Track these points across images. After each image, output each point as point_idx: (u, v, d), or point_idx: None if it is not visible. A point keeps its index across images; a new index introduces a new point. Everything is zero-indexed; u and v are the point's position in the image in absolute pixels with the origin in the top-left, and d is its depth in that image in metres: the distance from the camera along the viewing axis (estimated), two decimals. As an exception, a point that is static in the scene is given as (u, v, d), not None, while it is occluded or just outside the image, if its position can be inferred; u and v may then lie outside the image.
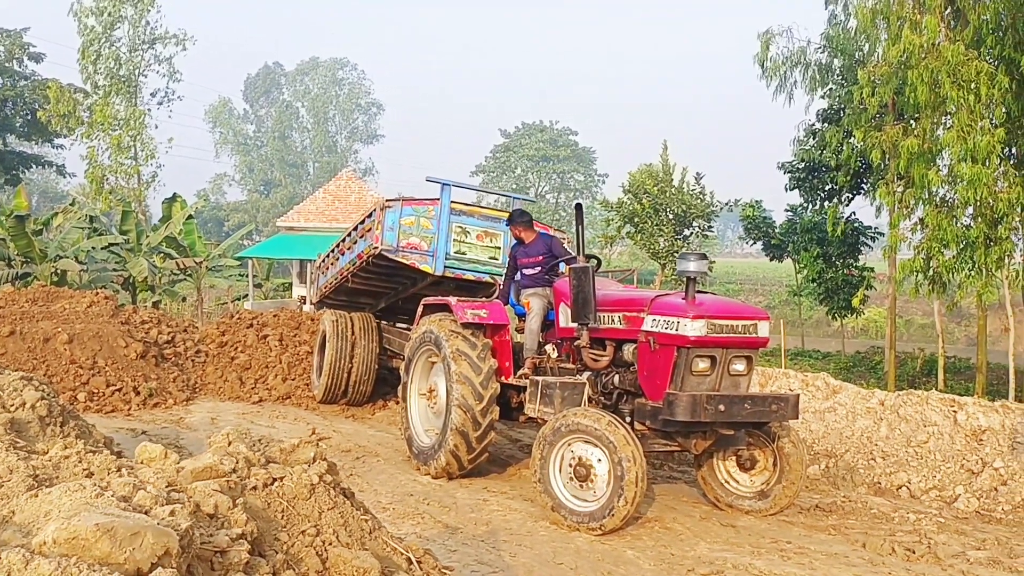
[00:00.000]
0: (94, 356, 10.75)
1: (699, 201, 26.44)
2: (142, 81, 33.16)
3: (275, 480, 3.33)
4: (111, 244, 24.35)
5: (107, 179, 30.50)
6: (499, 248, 9.30)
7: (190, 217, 25.58)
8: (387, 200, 8.99)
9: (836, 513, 6.97)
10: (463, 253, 9.13)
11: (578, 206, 7.34)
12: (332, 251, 11.19)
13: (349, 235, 10.22)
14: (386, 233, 8.78)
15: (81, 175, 35.39)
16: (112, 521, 2.24)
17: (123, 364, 10.89)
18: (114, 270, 24.90)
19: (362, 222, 9.63)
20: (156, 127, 36.54)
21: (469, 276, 9.18)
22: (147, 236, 25.29)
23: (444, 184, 8.91)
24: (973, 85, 12.38)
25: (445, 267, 8.96)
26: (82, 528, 2.20)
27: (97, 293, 12.85)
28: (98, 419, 8.88)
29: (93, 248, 24.04)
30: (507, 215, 9.26)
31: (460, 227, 9.09)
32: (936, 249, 13.44)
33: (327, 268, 11.51)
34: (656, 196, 26.28)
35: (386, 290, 10.72)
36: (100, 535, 2.19)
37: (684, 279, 6.21)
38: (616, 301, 6.85)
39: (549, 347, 7.55)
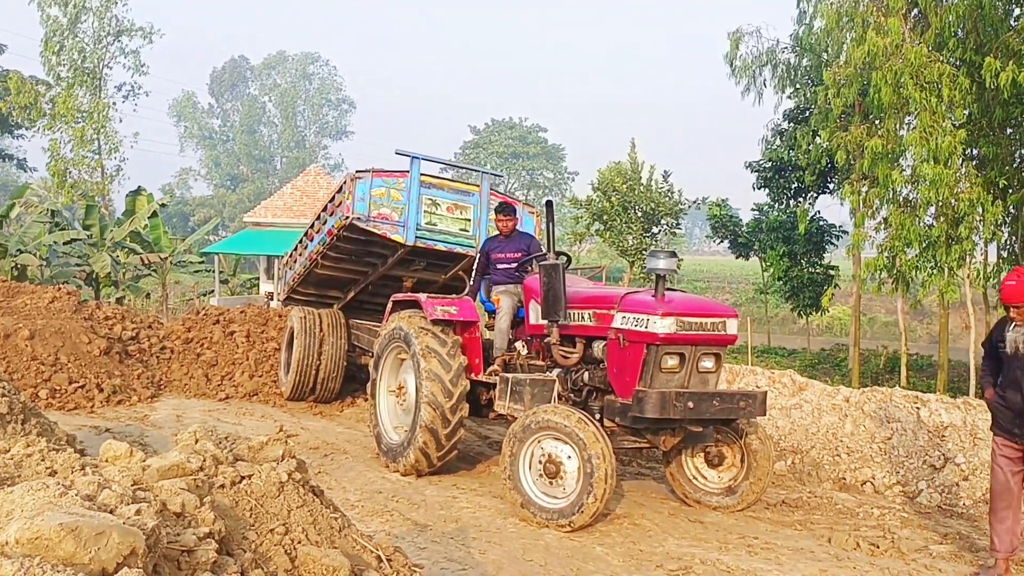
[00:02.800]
0: (56, 352, 10.57)
1: (667, 199, 26.59)
2: (107, 74, 32.71)
3: (243, 478, 3.30)
4: (74, 239, 23.95)
5: (70, 173, 30.01)
6: (469, 220, 9.33)
7: (155, 213, 25.20)
8: (357, 171, 8.95)
9: (802, 509, 7.05)
10: (434, 224, 9.13)
11: (548, 203, 7.36)
12: (301, 240, 11.09)
13: (319, 217, 10.14)
14: (357, 203, 8.77)
15: (42, 169, 34.86)
16: (76, 520, 2.20)
17: (86, 361, 10.72)
18: (77, 265, 24.49)
19: (332, 199, 9.59)
20: (121, 120, 35.88)
21: (440, 247, 9.18)
22: (111, 231, 24.89)
23: (414, 157, 8.94)
24: (936, 87, 12.57)
25: (416, 237, 8.95)
26: (46, 528, 2.16)
27: (59, 289, 12.63)
28: (60, 417, 8.75)
29: (55, 243, 23.63)
30: (477, 188, 9.33)
31: (430, 199, 9.11)
32: (899, 248, 13.64)
33: (295, 260, 11.41)
34: (625, 194, 26.39)
35: (356, 275, 10.60)
36: (64, 535, 2.15)
37: (653, 277, 6.24)
38: (586, 298, 6.87)
39: (519, 344, 7.56)
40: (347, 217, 8.79)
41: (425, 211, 9.05)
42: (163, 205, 28.03)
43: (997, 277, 15.58)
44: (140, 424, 9.39)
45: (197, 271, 28.14)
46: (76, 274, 23.97)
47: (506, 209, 8.19)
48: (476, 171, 10.29)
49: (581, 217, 28.46)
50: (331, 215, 9.46)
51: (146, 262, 24.26)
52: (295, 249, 11.42)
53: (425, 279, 10.08)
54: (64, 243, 23.84)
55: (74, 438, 6.34)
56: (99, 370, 10.69)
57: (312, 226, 10.36)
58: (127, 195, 26.72)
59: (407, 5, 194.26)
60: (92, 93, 31.37)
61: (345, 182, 9.05)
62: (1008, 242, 15.36)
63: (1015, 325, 5.24)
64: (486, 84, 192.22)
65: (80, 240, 24.18)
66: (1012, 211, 14.27)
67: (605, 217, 26.74)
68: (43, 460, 3.36)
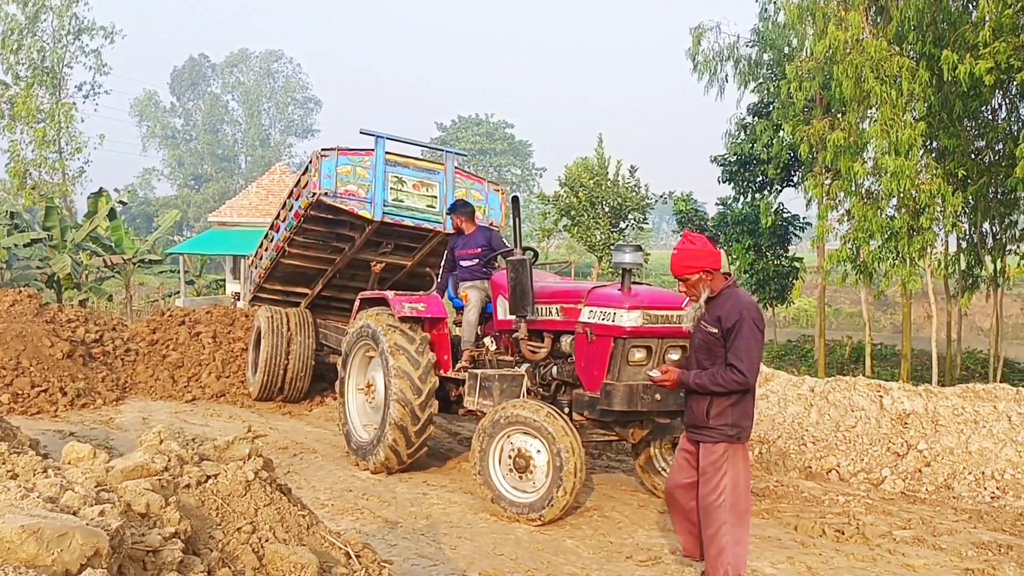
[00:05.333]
0: (18, 356, 10.39)
1: (634, 194, 26.71)
2: (66, 73, 32.18)
3: (209, 477, 3.28)
4: (34, 241, 23.54)
5: (30, 174, 29.50)
6: (436, 197, 9.39)
7: (113, 210, 24.80)
8: (323, 149, 8.96)
9: (769, 497, 7.13)
10: (400, 201, 9.18)
11: (515, 199, 7.37)
12: (267, 234, 11.01)
13: (284, 204, 10.09)
14: (323, 180, 8.78)
15: (1, 170, 34.25)
16: (38, 522, 2.18)
17: (49, 364, 10.56)
18: (38, 268, 24.10)
19: (297, 183, 9.57)
20: (83, 120, 35.27)
21: (408, 222, 9.20)
22: (71, 232, 24.50)
23: (378, 136, 8.96)
24: (896, 80, 12.74)
25: (384, 213, 8.97)
26: (6, 530, 2.13)
27: (20, 291, 12.41)
28: (23, 421, 8.62)
29: (15, 245, 23.22)
30: (442, 167, 9.39)
31: (396, 177, 9.15)
32: (862, 239, 13.82)
33: (261, 256, 11.31)
34: (592, 189, 26.46)
35: (323, 264, 10.52)
36: (26, 537, 2.13)
37: (620, 271, 6.28)
38: (553, 293, 6.89)
39: (487, 340, 7.57)
40: (314, 194, 8.79)
41: (391, 188, 9.10)
42: (123, 203, 27.65)
43: (957, 266, 15.86)
44: (105, 427, 9.27)
45: (162, 272, 27.78)
46: (37, 277, 23.58)
47: (455, 208, 8.25)
48: (440, 150, 10.33)
49: (549, 213, 28.51)
50: (297, 199, 9.44)
51: (109, 263, 23.91)
52: (260, 245, 11.34)
53: (393, 263, 10.05)
54: (24, 245, 23.43)
55: (37, 442, 6.24)
56: (62, 373, 10.54)
57: (278, 216, 10.30)
58: (89, 197, 26.34)
59: (371, 3, 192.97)
60: (51, 93, 30.85)
61: (311, 160, 9.06)
62: (968, 232, 15.63)
63: (689, 300, 4.83)
64: (452, 81, 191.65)
65: (41, 242, 23.78)
66: (971, 201, 14.51)
67: (573, 213, 26.80)
68: (3, 463, 3.32)
